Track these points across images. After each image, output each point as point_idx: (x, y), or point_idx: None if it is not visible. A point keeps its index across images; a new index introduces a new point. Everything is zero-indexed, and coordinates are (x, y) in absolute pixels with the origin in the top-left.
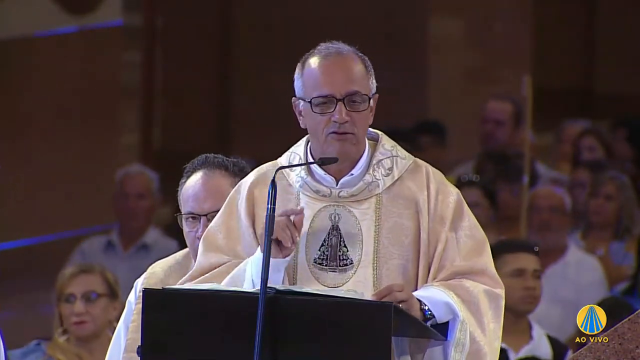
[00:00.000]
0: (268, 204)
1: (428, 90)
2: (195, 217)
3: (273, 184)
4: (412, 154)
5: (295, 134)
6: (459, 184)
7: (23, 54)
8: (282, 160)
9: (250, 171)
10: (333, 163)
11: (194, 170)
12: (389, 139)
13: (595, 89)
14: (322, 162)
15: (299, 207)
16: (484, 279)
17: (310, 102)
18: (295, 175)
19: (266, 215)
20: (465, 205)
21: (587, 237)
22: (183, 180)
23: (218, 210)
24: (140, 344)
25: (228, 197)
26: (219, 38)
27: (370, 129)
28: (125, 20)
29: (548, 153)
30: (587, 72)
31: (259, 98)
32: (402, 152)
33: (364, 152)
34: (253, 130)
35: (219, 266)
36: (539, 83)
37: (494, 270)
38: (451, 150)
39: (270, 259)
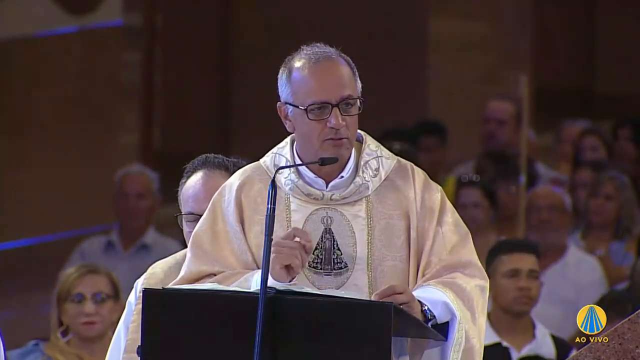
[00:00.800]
0: (268, 203)
1: (428, 90)
2: (195, 217)
3: (273, 183)
4: (414, 155)
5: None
6: (459, 184)
7: (23, 54)
8: (267, 161)
9: None
10: (333, 163)
11: (194, 171)
12: (373, 139)
13: (595, 89)
14: (323, 162)
15: (305, 231)
16: (471, 270)
17: (305, 109)
18: (284, 178)
19: (266, 215)
20: (448, 201)
21: (587, 237)
22: (183, 181)
23: None
24: (140, 344)
25: (212, 200)
26: (219, 38)
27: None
28: (125, 20)
29: (548, 153)
30: (587, 72)
31: (259, 98)
32: (385, 152)
33: (350, 154)
34: (253, 130)
35: (209, 274)
36: (539, 83)
37: (478, 261)
38: (451, 150)
39: (279, 283)
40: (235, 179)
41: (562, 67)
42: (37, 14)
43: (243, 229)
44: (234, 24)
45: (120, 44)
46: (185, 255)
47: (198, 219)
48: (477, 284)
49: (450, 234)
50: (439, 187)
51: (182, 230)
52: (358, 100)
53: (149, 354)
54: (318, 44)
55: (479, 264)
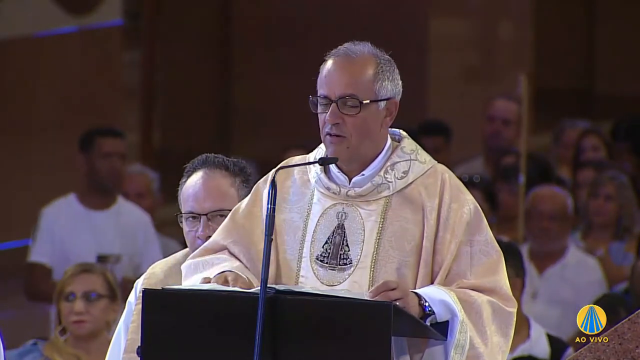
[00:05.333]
0: (268, 203)
1: (428, 90)
2: (195, 216)
3: (273, 184)
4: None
5: (295, 133)
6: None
7: (23, 54)
8: (312, 154)
9: (250, 171)
10: (333, 163)
11: (194, 170)
12: (412, 142)
13: (595, 89)
14: (322, 162)
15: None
16: (493, 297)
17: (314, 100)
18: (314, 171)
19: (266, 215)
20: (484, 219)
21: (587, 237)
22: (183, 180)
23: (218, 210)
24: (140, 344)
25: (257, 183)
26: (219, 38)
27: (396, 130)
28: (125, 20)
29: (548, 153)
30: (587, 72)
31: (259, 98)
32: (422, 156)
33: (380, 153)
34: (253, 130)
35: (223, 248)
36: (539, 83)
37: (507, 289)
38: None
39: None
40: (279, 165)
41: (562, 67)
42: (37, 14)
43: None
44: (234, 23)
45: (120, 44)
46: (185, 255)
47: (198, 219)
48: (489, 300)
49: (480, 254)
50: (473, 201)
51: (182, 229)
52: (378, 102)
53: (148, 354)
54: (357, 42)
55: (506, 290)
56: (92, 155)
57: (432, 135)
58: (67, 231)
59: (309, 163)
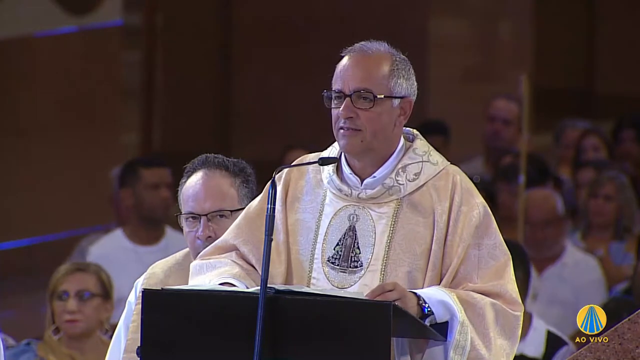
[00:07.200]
0: (268, 203)
1: (428, 90)
2: (195, 216)
3: (273, 184)
4: None
5: (295, 133)
6: None
7: (23, 54)
8: (324, 152)
9: (250, 171)
10: (333, 163)
11: (194, 170)
12: (424, 143)
13: (595, 89)
14: (322, 163)
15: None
16: (499, 300)
17: (329, 95)
18: (326, 171)
19: (266, 215)
20: (493, 223)
21: (587, 237)
22: (183, 180)
23: (218, 210)
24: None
25: (269, 182)
26: (218, 38)
27: (409, 130)
28: (125, 20)
29: (548, 154)
30: (587, 72)
31: (259, 98)
32: (434, 157)
33: (392, 153)
34: (253, 130)
35: (235, 248)
36: (539, 83)
37: (514, 293)
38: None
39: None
40: (294, 163)
41: (562, 67)
42: (37, 14)
43: (285, 209)
44: (234, 24)
45: (120, 44)
46: (185, 255)
47: (198, 219)
48: (492, 302)
49: (488, 258)
50: (483, 204)
51: (182, 229)
52: (392, 99)
53: (148, 354)
54: (373, 40)
55: (513, 294)
56: (137, 188)
57: (432, 135)
58: (113, 269)
59: (308, 163)
